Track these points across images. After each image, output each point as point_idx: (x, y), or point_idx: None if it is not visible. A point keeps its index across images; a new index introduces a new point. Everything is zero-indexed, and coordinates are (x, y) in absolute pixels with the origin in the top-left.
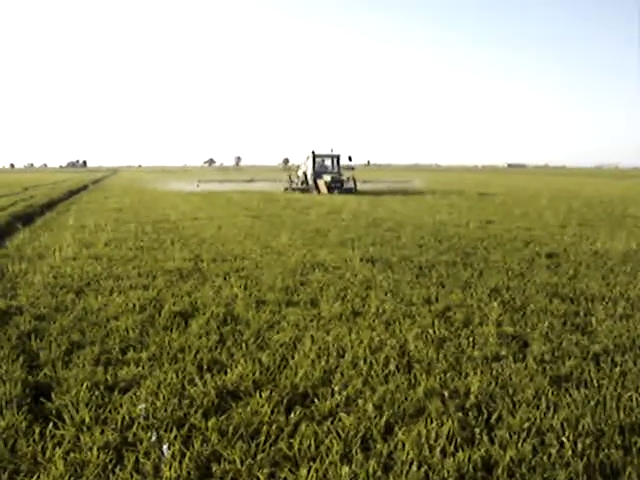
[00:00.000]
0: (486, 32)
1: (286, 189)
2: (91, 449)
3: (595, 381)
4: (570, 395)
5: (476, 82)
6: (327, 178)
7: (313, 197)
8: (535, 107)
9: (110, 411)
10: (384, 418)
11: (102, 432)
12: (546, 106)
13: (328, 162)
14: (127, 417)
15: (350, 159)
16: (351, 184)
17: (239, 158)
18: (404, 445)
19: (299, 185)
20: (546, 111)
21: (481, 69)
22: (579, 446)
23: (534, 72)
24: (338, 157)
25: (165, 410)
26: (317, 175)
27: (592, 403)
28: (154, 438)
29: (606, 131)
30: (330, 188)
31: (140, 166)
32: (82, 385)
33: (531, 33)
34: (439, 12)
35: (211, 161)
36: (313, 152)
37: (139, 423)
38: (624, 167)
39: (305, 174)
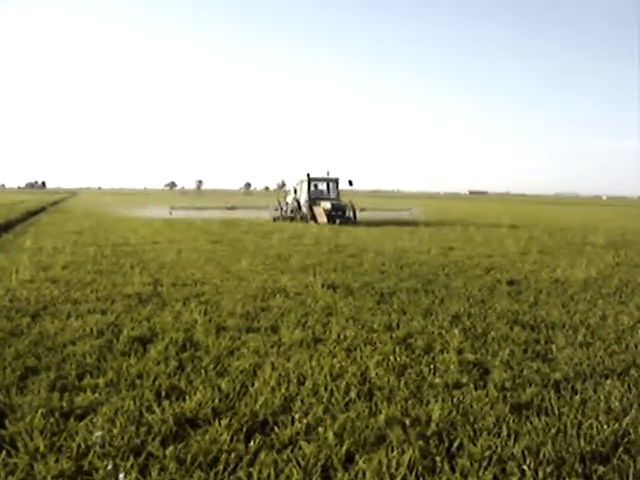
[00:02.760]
0: (442, 60)
1: (275, 219)
2: (45, 478)
3: (556, 409)
4: (531, 423)
5: (439, 110)
6: (327, 205)
7: (276, 223)
8: (496, 136)
9: (65, 439)
10: (345, 446)
11: (57, 460)
12: (507, 135)
13: (324, 186)
14: (83, 445)
15: (351, 183)
16: (350, 213)
17: (200, 182)
18: (365, 474)
19: (289, 213)
20: (507, 140)
21: (444, 99)
22: (540, 474)
23: (495, 101)
24: (337, 181)
25: (122, 438)
26: (313, 202)
27: (553, 431)
28: (110, 467)
29: (566, 160)
30: (330, 217)
31: (100, 188)
32: (37, 412)
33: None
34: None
35: (172, 184)
36: (308, 175)
37: (95, 451)
38: (584, 195)
39: (297, 200)
